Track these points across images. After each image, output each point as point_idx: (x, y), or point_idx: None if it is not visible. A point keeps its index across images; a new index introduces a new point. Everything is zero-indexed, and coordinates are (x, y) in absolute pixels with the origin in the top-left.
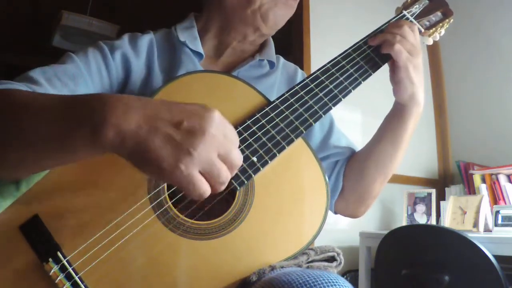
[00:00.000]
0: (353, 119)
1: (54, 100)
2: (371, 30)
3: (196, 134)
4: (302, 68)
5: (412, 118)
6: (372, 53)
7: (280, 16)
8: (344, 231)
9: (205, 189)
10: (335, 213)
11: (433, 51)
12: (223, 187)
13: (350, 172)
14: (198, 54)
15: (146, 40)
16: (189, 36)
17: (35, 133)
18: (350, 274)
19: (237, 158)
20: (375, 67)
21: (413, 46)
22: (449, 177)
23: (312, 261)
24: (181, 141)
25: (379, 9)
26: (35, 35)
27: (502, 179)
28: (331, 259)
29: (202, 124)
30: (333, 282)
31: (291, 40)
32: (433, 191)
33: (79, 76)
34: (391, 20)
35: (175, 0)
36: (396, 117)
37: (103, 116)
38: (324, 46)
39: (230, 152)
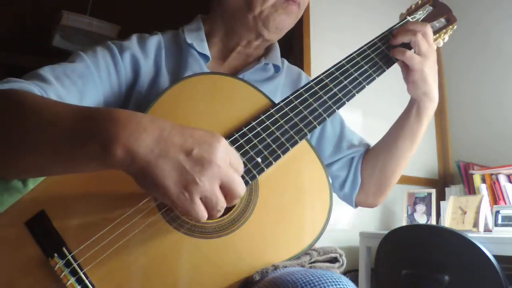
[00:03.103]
0: (353, 120)
1: (66, 110)
2: (371, 30)
3: (204, 164)
4: (302, 68)
5: (427, 113)
6: (387, 50)
7: (281, 22)
8: (344, 231)
9: (204, 216)
10: (356, 206)
11: None
12: (219, 214)
13: (367, 167)
14: (204, 57)
15: (155, 41)
16: (196, 38)
17: (43, 142)
18: (350, 274)
19: (239, 187)
20: (389, 63)
21: (428, 48)
22: (449, 177)
23: (314, 262)
24: (189, 170)
25: (379, 9)
26: (35, 35)
27: (502, 179)
28: (334, 260)
29: (210, 154)
30: (336, 281)
31: (292, 41)
32: (433, 191)
33: (88, 75)
34: (393, 26)
35: (175, 0)
36: (411, 112)
37: (114, 134)
38: (324, 46)
39: (233, 181)
